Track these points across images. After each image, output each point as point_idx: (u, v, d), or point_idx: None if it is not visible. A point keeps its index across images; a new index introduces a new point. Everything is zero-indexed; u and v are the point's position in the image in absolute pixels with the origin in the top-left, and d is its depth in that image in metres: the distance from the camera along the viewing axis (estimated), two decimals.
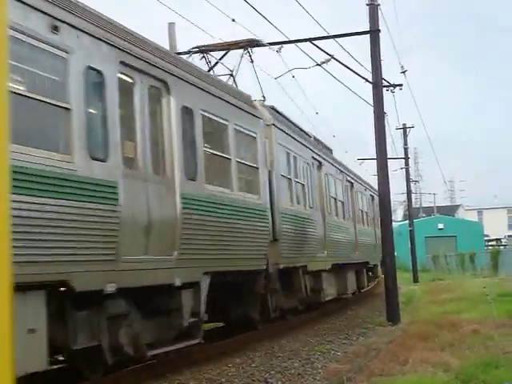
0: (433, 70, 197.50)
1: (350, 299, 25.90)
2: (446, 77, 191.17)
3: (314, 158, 19.13)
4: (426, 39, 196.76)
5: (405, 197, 54.40)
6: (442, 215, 75.24)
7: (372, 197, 31.27)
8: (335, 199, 21.62)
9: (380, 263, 31.90)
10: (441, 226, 65.58)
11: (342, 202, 22.87)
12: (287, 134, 16.40)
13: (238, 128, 12.83)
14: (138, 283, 9.06)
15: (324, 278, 19.00)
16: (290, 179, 16.27)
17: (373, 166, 30.39)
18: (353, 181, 26.04)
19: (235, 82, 16.49)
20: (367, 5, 18.55)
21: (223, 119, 12.34)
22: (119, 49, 8.95)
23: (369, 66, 18.50)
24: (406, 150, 45.92)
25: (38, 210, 7.07)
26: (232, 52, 17.49)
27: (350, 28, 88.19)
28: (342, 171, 23.48)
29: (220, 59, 17.44)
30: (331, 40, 18.78)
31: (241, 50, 17.56)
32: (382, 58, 18.55)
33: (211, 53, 17.51)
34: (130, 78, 9.31)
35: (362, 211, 27.94)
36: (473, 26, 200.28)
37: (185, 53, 16.95)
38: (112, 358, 8.81)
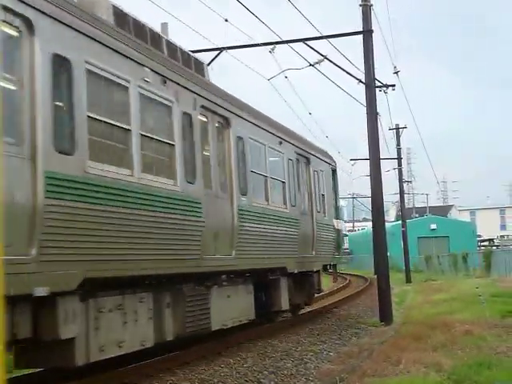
0: (433, 70, 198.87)
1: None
2: (446, 77, 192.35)
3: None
4: (426, 39, 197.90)
5: (397, 197, 54.55)
6: (435, 215, 75.45)
7: (307, 160, 18.57)
8: (159, 141, 10.49)
9: (330, 267, 21.33)
10: (433, 226, 65.74)
11: (193, 155, 11.49)
12: None
13: None
14: None
15: (69, 312, 8.17)
16: None
17: (366, 166, 30.03)
18: (229, 115, 13.34)
19: None
20: (360, 5, 18.58)
21: None
22: None
23: (362, 67, 18.55)
24: (398, 150, 46.07)
25: None
26: None
27: (344, 29, 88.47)
28: (189, 90, 11.67)
29: None
30: (325, 41, 18.82)
31: None
32: (375, 59, 18.59)
33: None
34: None
35: (271, 179, 15.52)
36: (473, 26, 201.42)
37: None
38: None
